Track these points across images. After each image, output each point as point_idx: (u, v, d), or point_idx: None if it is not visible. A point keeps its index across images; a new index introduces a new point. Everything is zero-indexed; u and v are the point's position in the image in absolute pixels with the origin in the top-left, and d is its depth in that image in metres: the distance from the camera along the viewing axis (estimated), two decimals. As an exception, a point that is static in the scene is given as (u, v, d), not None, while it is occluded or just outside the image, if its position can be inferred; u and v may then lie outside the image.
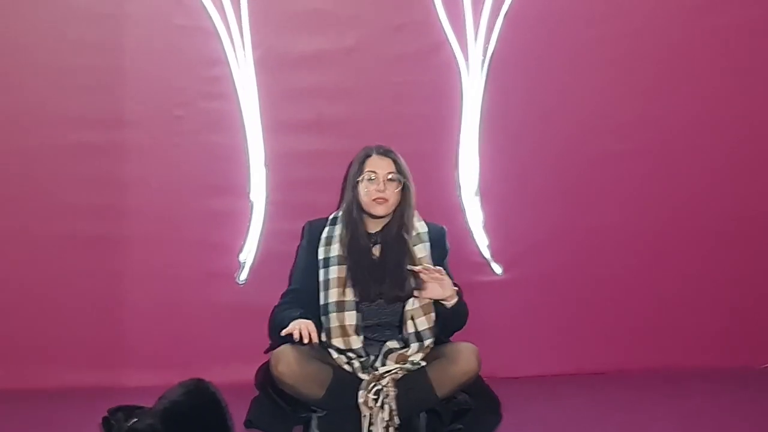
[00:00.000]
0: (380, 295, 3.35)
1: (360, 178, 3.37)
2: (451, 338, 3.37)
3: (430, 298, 3.24)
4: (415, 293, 3.26)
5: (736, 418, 3.52)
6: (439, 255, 3.46)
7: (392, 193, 3.34)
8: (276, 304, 3.50)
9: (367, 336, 3.34)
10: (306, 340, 3.11)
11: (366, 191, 3.34)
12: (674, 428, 3.41)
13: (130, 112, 3.64)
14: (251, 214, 3.73)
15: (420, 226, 3.47)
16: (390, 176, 3.35)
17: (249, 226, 3.73)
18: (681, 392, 3.79)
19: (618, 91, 3.89)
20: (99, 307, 3.74)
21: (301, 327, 3.14)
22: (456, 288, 3.31)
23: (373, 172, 3.35)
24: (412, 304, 3.33)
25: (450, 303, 3.26)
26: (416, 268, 3.21)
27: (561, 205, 3.92)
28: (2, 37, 3.58)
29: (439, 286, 3.21)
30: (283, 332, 3.17)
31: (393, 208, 3.37)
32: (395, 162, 3.38)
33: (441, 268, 3.24)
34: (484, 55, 3.73)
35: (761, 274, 4.11)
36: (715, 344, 4.10)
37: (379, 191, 3.32)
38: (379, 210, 3.34)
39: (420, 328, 3.31)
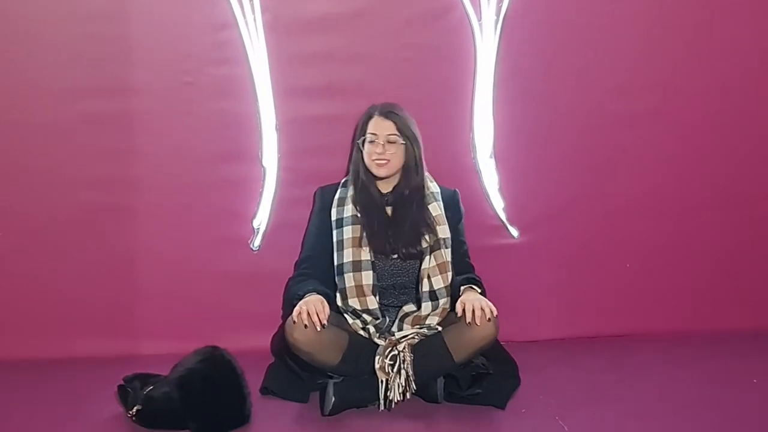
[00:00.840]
0: (395, 252, 3.36)
1: (362, 140, 3.40)
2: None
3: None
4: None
5: (753, 379, 3.54)
6: (453, 217, 3.51)
7: (393, 154, 3.37)
8: (291, 275, 3.52)
9: (383, 302, 3.38)
10: (310, 326, 3.12)
11: (367, 152, 3.38)
12: (693, 390, 3.46)
13: (138, 80, 3.63)
14: (264, 180, 3.72)
15: (433, 186, 3.51)
16: (390, 138, 3.36)
17: (262, 192, 3.73)
18: (699, 354, 3.83)
19: (642, 48, 3.87)
20: (114, 276, 3.76)
21: (306, 309, 3.15)
22: (478, 285, 3.36)
23: (374, 134, 3.39)
24: (428, 262, 3.37)
25: None
26: (458, 311, 3.19)
27: (578, 168, 3.91)
28: (8, 9, 3.56)
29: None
30: (290, 319, 3.19)
31: (396, 169, 3.41)
32: (396, 123, 3.39)
33: (474, 306, 3.19)
34: (498, 15, 3.69)
35: None
36: (733, 306, 4.11)
37: (378, 153, 3.35)
38: (381, 171, 3.38)
39: (436, 287, 3.36)
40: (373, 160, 3.37)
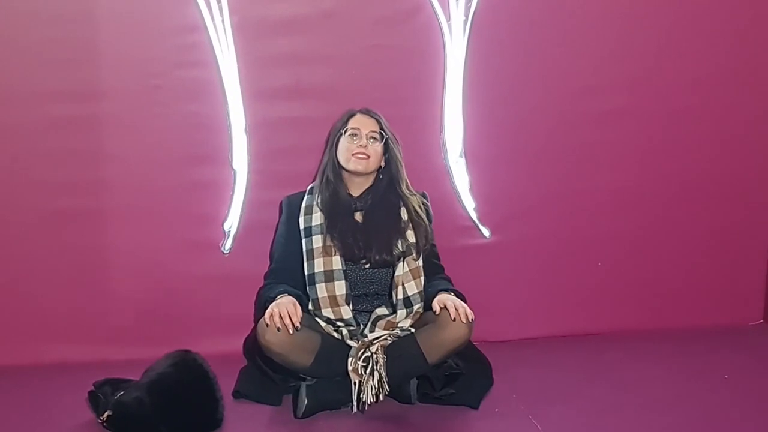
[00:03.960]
0: (366, 261, 3.36)
1: (342, 131, 3.42)
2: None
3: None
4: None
5: (725, 375, 3.58)
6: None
7: (373, 151, 3.38)
8: (262, 278, 3.54)
9: (356, 308, 3.39)
10: (283, 329, 3.13)
11: (347, 147, 3.40)
12: (663, 387, 3.49)
13: (106, 83, 3.62)
14: (234, 183, 3.73)
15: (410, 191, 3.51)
16: (373, 134, 3.39)
17: (232, 195, 3.74)
18: (671, 351, 3.88)
19: (605, 49, 3.90)
20: (82, 282, 3.75)
21: (275, 311, 3.16)
22: (451, 290, 3.38)
23: (357, 129, 3.41)
24: (401, 269, 3.38)
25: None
26: (437, 309, 3.21)
27: (548, 167, 3.94)
28: None
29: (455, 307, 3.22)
30: (262, 321, 3.20)
31: (373, 168, 3.42)
32: (379, 122, 3.43)
33: (455, 305, 3.21)
34: (466, 15, 3.70)
35: (748, 237, 4.17)
36: (704, 303, 4.19)
37: (362, 146, 3.37)
38: (359, 166, 3.38)
39: (410, 293, 3.36)
40: (354, 154, 3.38)
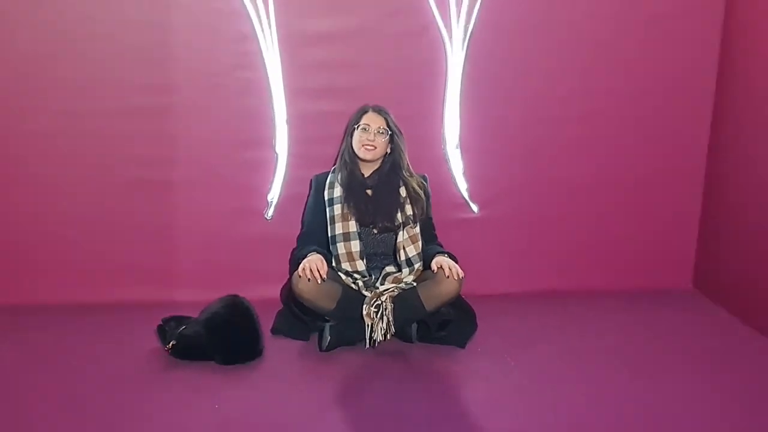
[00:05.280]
0: (374, 227, 3.38)
1: (356, 126, 3.40)
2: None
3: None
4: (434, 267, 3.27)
5: (661, 328, 3.61)
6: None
7: (380, 143, 3.37)
8: (296, 240, 3.56)
9: (369, 265, 3.39)
10: (312, 280, 3.14)
11: (359, 138, 3.38)
12: (616, 337, 3.51)
13: (178, 79, 3.61)
14: (276, 163, 3.72)
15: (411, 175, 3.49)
16: (380, 130, 3.37)
17: (275, 173, 3.73)
18: (619, 308, 3.89)
19: (565, 66, 3.85)
20: (156, 237, 3.77)
21: (309, 266, 3.16)
22: (447, 254, 3.38)
23: (367, 124, 3.39)
24: (402, 236, 3.38)
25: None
26: (434, 268, 3.24)
27: (526, 157, 3.92)
28: (93, 13, 3.54)
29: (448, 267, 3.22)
30: (295, 273, 3.21)
31: (378, 156, 3.41)
32: (386, 120, 3.40)
33: (449, 265, 3.23)
34: (465, 33, 3.69)
35: (679, 217, 4.13)
36: (644, 270, 4.16)
37: (369, 140, 3.35)
38: (367, 155, 3.38)
39: (410, 255, 3.37)
40: (363, 144, 3.36)
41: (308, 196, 3.59)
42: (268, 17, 3.55)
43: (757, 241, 3.62)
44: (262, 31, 3.56)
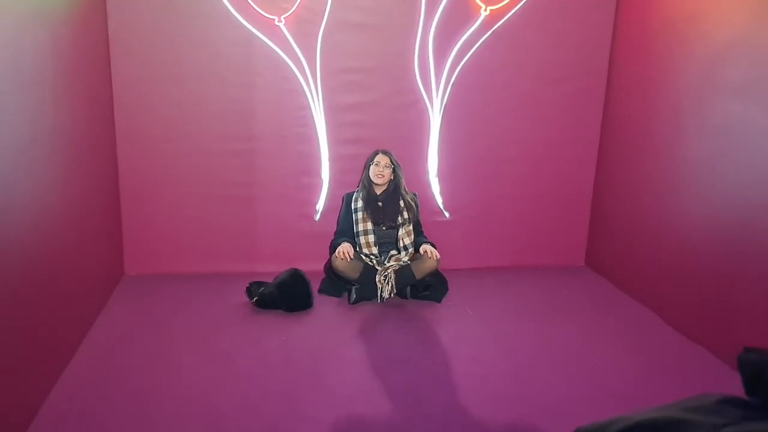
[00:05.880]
0: (383, 224, 3.38)
1: (371, 162, 3.41)
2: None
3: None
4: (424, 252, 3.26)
5: (564, 291, 3.58)
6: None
7: (387, 173, 3.39)
8: (332, 238, 3.54)
9: (380, 250, 3.40)
10: (345, 259, 3.20)
11: (373, 170, 3.39)
12: (535, 295, 3.47)
13: (258, 131, 3.56)
14: (322, 185, 3.69)
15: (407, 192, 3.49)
16: (387, 165, 3.39)
17: (320, 191, 3.71)
18: (536, 277, 3.78)
19: (504, 126, 3.76)
20: (243, 230, 3.69)
21: (341, 250, 3.21)
22: (430, 242, 3.36)
23: (378, 162, 3.40)
24: (401, 231, 3.41)
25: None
26: (422, 252, 3.24)
27: (478, 181, 3.84)
28: (197, 97, 3.45)
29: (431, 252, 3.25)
30: (334, 255, 3.26)
31: (386, 181, 3.41)
32: (389, 158, 3.41)
33: (431, 250, 3.23)
34: (441, 104, 3.68)
35: (574, 201, 3.93)
36: (545, 247, 3.96)
37: (379, 172, 3.37)
38: (378, 181, 3.38)
39: (406, 243, 3.40)
40: (376, 174, 3.37)
41: (341, 208, 3.57)
42: (317, 94, 3.55)
43: (632, 230, 3.45)
44: (313, 102, 3.56)
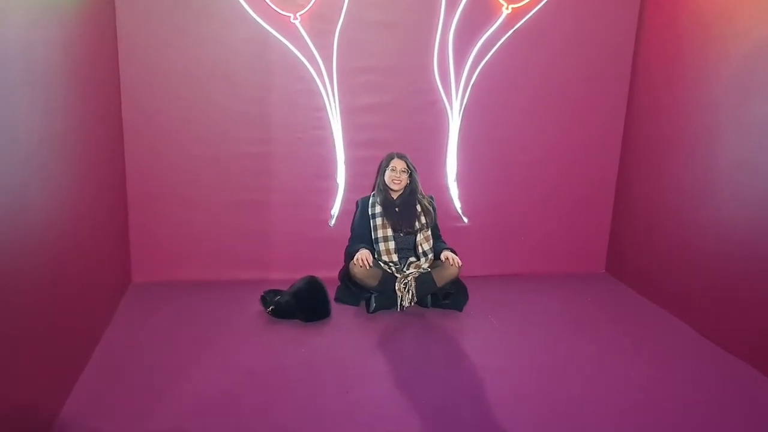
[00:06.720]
0: (401, 232, 3.35)
1: (387, 167, 3.38)
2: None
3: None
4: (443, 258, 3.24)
5: (587, 299, 3.57)
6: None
7: (403, 178, 3.37)
8: (347, 245, 3.53)
9: (399, 256, 3.36)
10: (363, 265, 3.17)
11: (389, 175, 3.37)
12: (560, 305, 3.43)
13: (275, 135, 3.53)
14: (337, 189, 3.67)
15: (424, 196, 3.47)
16: (403, 169, 3.36)
17: (336, 195, 3.68)
18: (556, 286, 3.74)
19: (524, 127, 3.75)
20: (258, 237, 3.65)
21: (360, 257, 3.17)
22: (450, 248, 3.33)
23: (394, 166, 3.38)
24: (419, 237, 3.36)
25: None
26: (442, 258, 3.23)
27: (497, 186, 3.83)
28: (213, 98, 3.42)
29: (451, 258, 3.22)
30: (351, 261, 3.23)
31: (403, 186, 3.39)
32: (406, 162, 3.37)
33: (452, 256, 3.21)
34: (461, 105, 3.66)
35: (596, 211, 3.92)
36: (567, 256, 3.97)
37: (396, 177, 3.35)
38: (395, 186, 3.37)
39: (425, 249, 3.37)
40: (392, 180, 3.35)
41: (355, 213, 3.54)
42: (333, 95, 3.53)
43: (657, 236, 3.43)
44: (329, 104, 3.53)
